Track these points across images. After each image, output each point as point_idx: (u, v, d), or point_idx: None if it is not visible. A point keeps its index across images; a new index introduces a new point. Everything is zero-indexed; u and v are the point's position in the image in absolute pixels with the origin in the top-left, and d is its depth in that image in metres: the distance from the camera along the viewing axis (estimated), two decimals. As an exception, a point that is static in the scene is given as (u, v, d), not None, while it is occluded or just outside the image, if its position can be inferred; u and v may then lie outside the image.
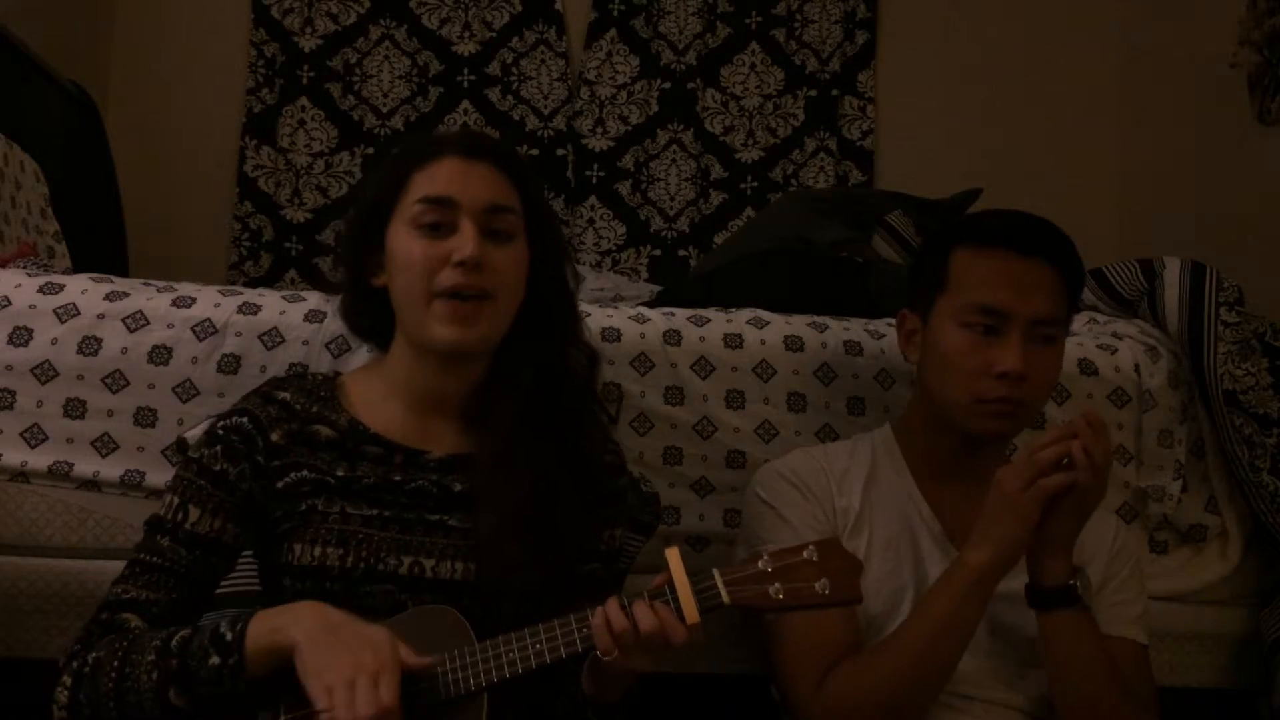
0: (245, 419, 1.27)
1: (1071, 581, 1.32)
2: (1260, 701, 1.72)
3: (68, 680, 1.15)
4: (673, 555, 1.15)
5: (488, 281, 1.25)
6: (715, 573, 1.14)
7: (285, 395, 1.30)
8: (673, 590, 1.12)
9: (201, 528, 1.23)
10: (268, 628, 1.13)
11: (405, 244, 1.27)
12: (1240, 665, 1.75)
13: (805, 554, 1.14)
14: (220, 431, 1.27)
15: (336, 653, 1.08)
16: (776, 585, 1.12)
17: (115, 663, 1.13)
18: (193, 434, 1.53)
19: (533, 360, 1.32)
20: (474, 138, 1.35)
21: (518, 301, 1.31)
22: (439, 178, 1.28)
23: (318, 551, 1.22)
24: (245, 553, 1.31)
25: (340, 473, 1.26)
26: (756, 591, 1.12)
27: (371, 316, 1.36)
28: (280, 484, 1.25)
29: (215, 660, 1.11)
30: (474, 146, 1.31)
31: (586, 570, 1.30)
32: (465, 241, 1.24)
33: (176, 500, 1.24)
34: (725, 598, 1.12)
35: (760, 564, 1.13)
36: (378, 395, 1.33)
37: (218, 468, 1.25)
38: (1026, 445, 1.34)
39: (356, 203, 1.37)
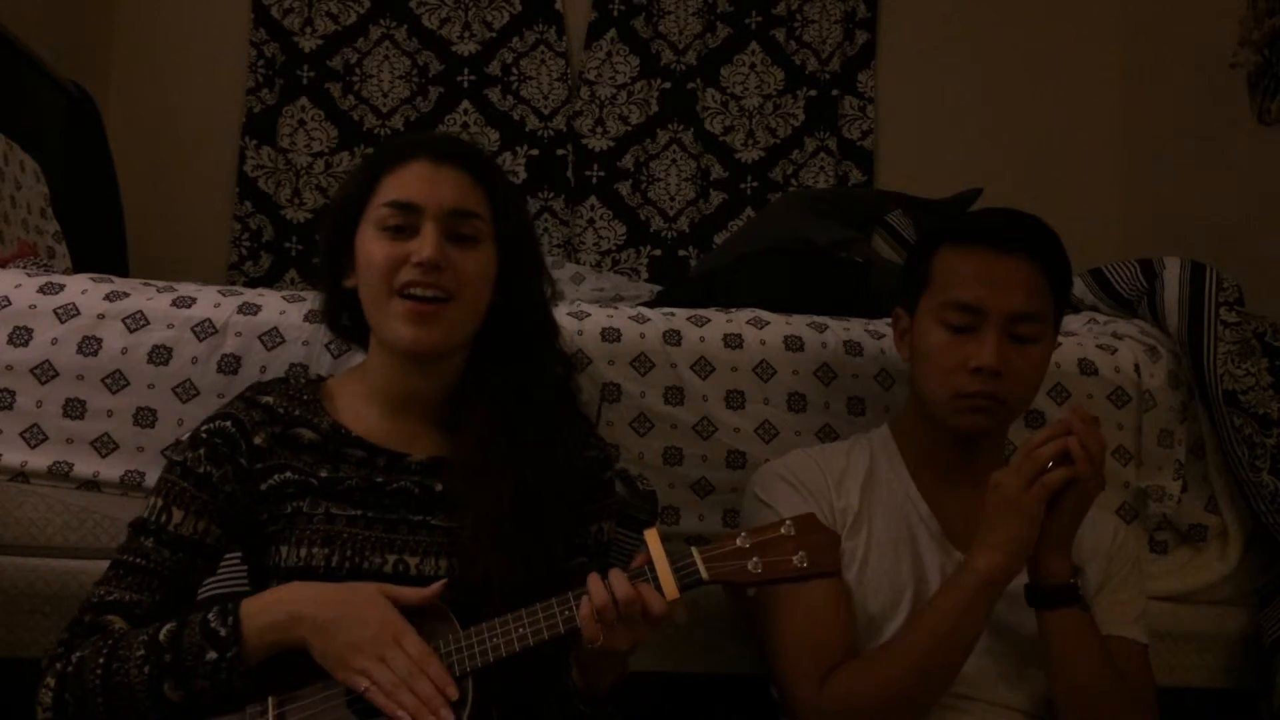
0: (229, 422, 1.28)
1: (1072, 580, 1.32)
2: (1260, 701, 1.72)
3: (51, 681, 1.15)
4: (651, 535, 1.17)
5: (448, 283, 1.26)
6: (694, 550, 1.16)
7: (268, 399, 1.31)
8: (652, 569, 1.15)
9: (185, 529, 1.24)
10: (265, 624, 1.14)
11: (369, 245, 1.29)
12: (1240, 665, 1.75)
13: (783, 529, 1.17)
14: (204, 435, 1.28)
15: (349, 632, 1.12)
16: (755, 559, 1.15)
17: (101, 660, 1.14)
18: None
19: (505, 368, 1.33)
20: (444, 142, 1.35)
21: (482, 305, 1.31)
22: (406, 181, 1.29)
23: (304, 552, 1.23)
24: (234, 554, 1.31)
25: (323, 474, 1.27)
26: (735, 566, 1.15)
27: (349, 318, 1.38)
28: (264, 486, 1.26)
29: (212, 655, 1.12)
30: (443, 150, 1.32)
31: (575, 564, 1.30)
32: (425, 244, 1.25)
33: (160, 502, 1.25)
34: (704, 573, 1.15)
35: (738, 540, 1.16)
36: (359, 399, 1.34)
37: (201, 470, 1.25)
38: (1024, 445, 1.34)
39: (329, 205, 1.38)
